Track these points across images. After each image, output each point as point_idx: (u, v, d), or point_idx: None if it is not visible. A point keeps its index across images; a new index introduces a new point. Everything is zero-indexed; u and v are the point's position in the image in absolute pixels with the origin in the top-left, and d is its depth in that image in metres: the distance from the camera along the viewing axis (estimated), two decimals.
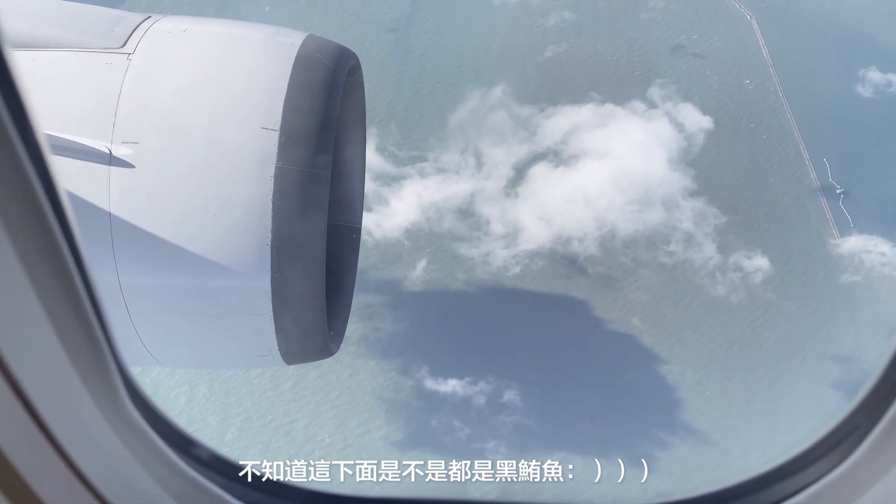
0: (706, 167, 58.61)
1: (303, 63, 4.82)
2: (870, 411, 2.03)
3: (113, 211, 4.50)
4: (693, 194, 55.93)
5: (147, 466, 2.07)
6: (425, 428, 48.22)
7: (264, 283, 4.67)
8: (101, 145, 4.51)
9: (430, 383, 49.22)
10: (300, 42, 4.99)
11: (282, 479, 2.46)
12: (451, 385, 49.14)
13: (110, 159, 4.50)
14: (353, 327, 51.78)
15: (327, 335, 5.18)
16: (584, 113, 60.49)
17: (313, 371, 51.19)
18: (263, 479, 2.43)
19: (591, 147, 57.49)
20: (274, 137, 4.56)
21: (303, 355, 5.26)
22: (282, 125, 4.59)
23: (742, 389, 48.02)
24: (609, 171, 55.11)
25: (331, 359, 5.35)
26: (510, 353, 49.63)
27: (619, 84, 65.42)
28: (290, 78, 4.73)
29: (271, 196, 4.54)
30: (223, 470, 2.35)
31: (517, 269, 52.16)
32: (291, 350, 5.09)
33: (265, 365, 5.25)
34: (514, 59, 66.45)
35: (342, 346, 5.50)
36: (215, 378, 52.11)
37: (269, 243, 4.58)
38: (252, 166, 4.54)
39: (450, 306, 51.94)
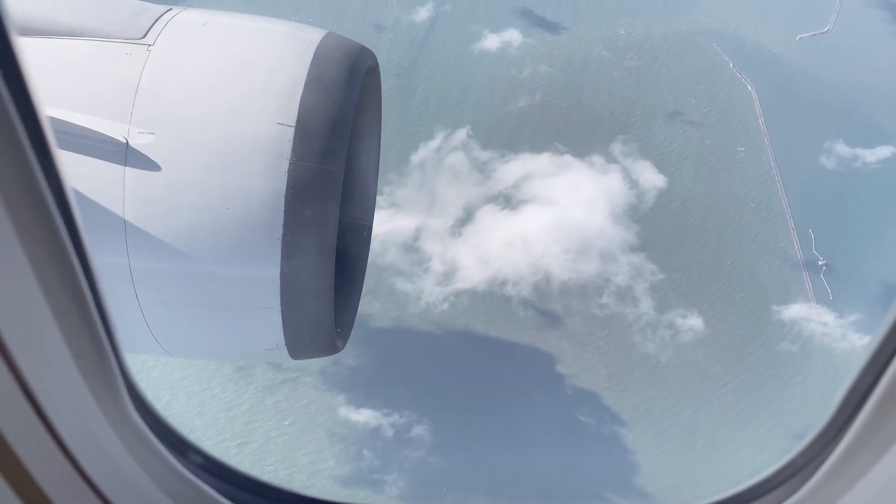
0: (653, 225, 58.37)
1: (321, 60, 4.81)
2: (822, 445, 2.15)
3: (127, 199, 4.53)
4: (633, 249, 55.66)
5: (145, 466, 2.15)
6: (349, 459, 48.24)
7: (273, 278, 4.66)
8: (119, 134, 4.54)
9: (343, 411, 49.50)
10: (319, 39, 4.99)
11: (270, 483, 2.52)
12: (364, 415, 49.31)
13: (127, 148, 4.53)
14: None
15: (334, 332, 5.16)
16: (540, 161, 61.30)
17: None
18: (254, 482, 2.50)
19: (540, 194, 58.09)
20: (289, 133, 4.56)
21: (309, 351, 5.24)
22: (297, 121, 4.59)
23: (653, 444, 46.86)
24: (551, 218, 55.49)
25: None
26: (427, 388, 49.65)
27: (585, 137, 66.09)
28: (308, 74, 4.72)
29: (284, 191, 4.54)
30: (217, 472, 2.43)
31: (444, 307, 52.50)
32: (298, 345, 5.08)
33: (272, 359, 5.31)
34: (485, 105, 68.01)
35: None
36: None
37: (280, 238, 4.58)
38: (266, 161, 4.54)
39: (376, 339, 52.46)
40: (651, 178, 60.87)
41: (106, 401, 1.96)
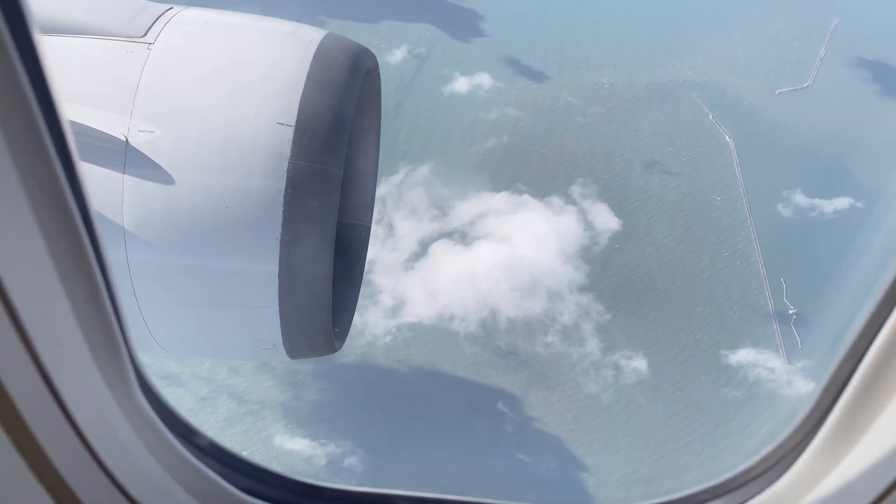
0: (606, 267, 58.34)
1: (321, 60, 4.81)
2: (803, 434, 2.27)
3: (126, 197, 4.53)
4: (582, 289, 55.54)
5: (153, 450, 2.21)
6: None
7: (272, 277, 4.66)
8: (119, 132, 4.54)
9: (278, 440, 49.02)
10: (319, 39, 4.99)
11: (270, 468, 2.58)
12: (300, 444, 48.81)
13: (126, 146, 4.53)
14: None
15: (332, 332, 5.14)
16: (498, 200, 61.85)
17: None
18: (255, 468, 2.57)
19: (494, 232, 58.42)
20: (289, 133, 4.56)
21: (306, 350, 5.24)
22: (297, 121, 4.58)
23: (591, 486, 45.81)
24: (501, 256, 55.68)
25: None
26: (365, 419, 49.19)
27: (547, 179, 66.72)
28: (308, 74, 4.71)
29: (283, 190, 4.53)
30: (220, 457, 2.50)
31: (387, 340, 52.38)
32: (295, 345, 5.08)
33: (269, 358, 5.29)
34: (451, 144, 69.10)
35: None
36: None
37: (279, 237, 4.58)
38: (266, 160, 4.54)
39: (319, 369, 52.26)
40: (606, 220, 61.13)
41: (117, 386, 2.03)
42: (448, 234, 60.17)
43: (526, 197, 62.93)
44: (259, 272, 4.68)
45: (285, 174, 4.54)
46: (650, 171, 78.08)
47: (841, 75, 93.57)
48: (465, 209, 61.94)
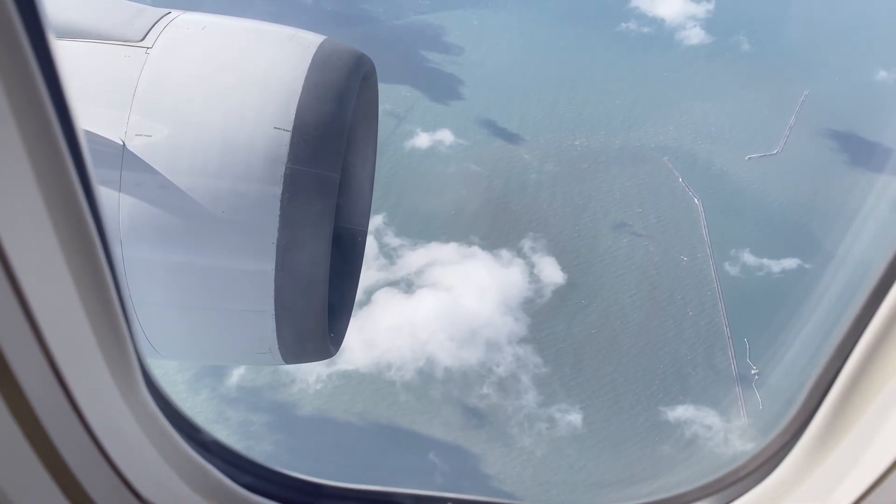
0: (547, 319, 57.88)
1: (319, 65, 4.84)
2: (790, 435, 2.39)
3: (123, 201, 4.53)
4: (521, 341, 54.97)
5: (159, 448, 2.27)
6: None
7: (268, 282, 4.65)
8: (115, 136, 4.54)
9: None
10: (318, 44, 5.02)
11: (270, 466, 2.62)
12: None
13: (123, 150, 4.53)
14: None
15: (328, 337, 5.13)
16: (447, 250, 61.98)
17: None
18: (258, 465, 2.61)
19: (439, 281, 58.31)
20: (286, 138, 4.56)
21: (302, 355, 5.23)
22: (294, 126, 4.59)
23: None
24: (441, 305, 55.38)
25: None
26: (289, 467, 47.81)
27: (500, 232, 67.04)
28: (306, 80, 4.74)
29: (280, 195, 4.53)
30: (223, 455, 2.54)
31: (318, 387, 51.66)
32: (291, 349, 5.06)
33: (264, 363, 5.25)
34: (407, 196, 69.87)
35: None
36: None
37: (276, 242, 4.58)
38: (263, 165, 4.54)
39: (247, 414, 51.42)
40: (552, 274, 61.04)
41: (125, 385, 2.09)
42: (394, 283, 60.16)
43: (476, 248, 63.13)
44: (255, 276, 4.66)
45: (282, 178, 4.53)
46: (619, 231, 78.66)
47: (810, 144, 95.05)
48: (413, 259, 62.12)
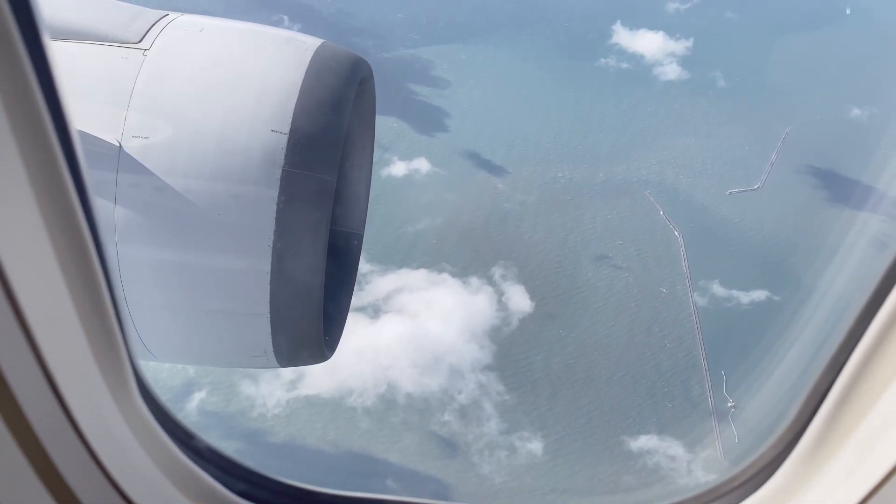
0: (513, 346, 57.46)
1: (316, 68, 4.85)
2: (785, 443, 2.40)
3: (118, 203, 4.54)
4: (485, 369, 54.50)
5: (151, 453, 2.26)
6: None
7: (263, 284, 4.64)
8: (112, 138, 4.54)
9: None
10: (315, 47, 5.03)
11: (263, 472, 2.61)
12: None
13: (119, 152, 4.53)
14: None
15: (323, 340, 5.11)
16: (416, 276, 61.86)
17: None
18: (251, 472, 2.60)
19: (406, 307, 58.05)
20: (283, 140, 4.55)
21: (297, 359, 5.22)
22: (291, 129, 4.59)
23: None
24: (405, 331, 55.05)
25: None
26: None
27: (471, 260, 67.01)
28: (303, 83, 4.74)
29: (276, 198, 4.53)
30: (216, 461, 2.54)
31: (276, 411, 51.07)
32: (286, 353, 5.05)
33: (259, 366, 5.24)
34: (379, 223, 69.93)
35: None
36: None
37: (271, 244, 4.57)
38: (259, 168, 4.52)
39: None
40: (520, 302, 60.78)
41: (117, 389, 2.09)
42: (360, 309, 59.85)
43: (445, 275, 63.03)
44: (251, 278, 4.64)
45: (279, 181, 4.51)
46: (599, 263, 78.79)
47: (791, 180, 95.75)
48: (381, 284, 61.94)
